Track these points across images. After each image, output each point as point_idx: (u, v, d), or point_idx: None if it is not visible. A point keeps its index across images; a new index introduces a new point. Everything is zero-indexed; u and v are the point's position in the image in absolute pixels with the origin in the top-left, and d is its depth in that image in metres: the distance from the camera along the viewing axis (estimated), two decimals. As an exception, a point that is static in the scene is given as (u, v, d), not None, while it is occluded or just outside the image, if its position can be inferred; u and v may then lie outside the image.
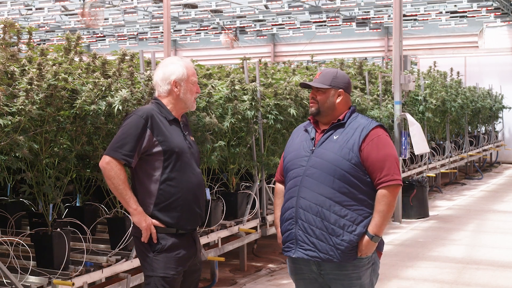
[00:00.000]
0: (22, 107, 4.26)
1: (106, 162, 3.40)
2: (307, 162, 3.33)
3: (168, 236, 3.46)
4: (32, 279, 4.50)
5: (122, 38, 27.58)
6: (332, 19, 23.23)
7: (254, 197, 6.91)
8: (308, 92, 7.42)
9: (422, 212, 9.86)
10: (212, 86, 5.97)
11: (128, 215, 5.13)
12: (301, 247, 3.30)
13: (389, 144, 3.33)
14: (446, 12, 21.84)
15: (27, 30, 5.71)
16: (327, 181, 3.25)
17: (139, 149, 3.42)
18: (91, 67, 5.35)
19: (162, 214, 3.44)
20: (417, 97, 11.50)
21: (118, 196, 3.46)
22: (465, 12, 21.45)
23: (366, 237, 3.24)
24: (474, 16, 21.93)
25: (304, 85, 3.54)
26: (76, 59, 5.73)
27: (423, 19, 22.69)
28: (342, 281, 3.30)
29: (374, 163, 3.25)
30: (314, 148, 3.36)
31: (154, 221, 3.45)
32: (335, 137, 3.33)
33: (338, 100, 3.41)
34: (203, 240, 6.00)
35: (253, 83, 6.71)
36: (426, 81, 12.56)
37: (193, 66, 3.66)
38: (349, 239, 3.21)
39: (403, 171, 10.65)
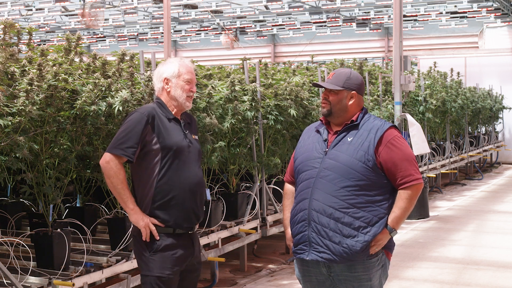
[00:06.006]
0: (22, 107, 4.27)
1: (106, 161, 3.42)
2: (320, 164, 3.29)
3: (165, 236, 3.46)
4: (32, 279, 4.51)
5: (122, 39, 27.58)
6: (332, 20, 23.22)
7: (254, 198, 6.91)
8: (310, 92, 7.44)
9: (422, 213, 9.86)
10: (212, 86, 5.96)
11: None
12: (315, 249, 3.26)
13: (405, 144, 3.31)
14: (446, 13, 21.83)
15: (27, 30, 5.72)
16: (341, 183, 3.22)
17: (141, 144, 3.44)
18: (91, 67, 5.35)
19: (160, 212, 3.46)
20: (417, 98, 11.50)
21: (116, 195, 3.49)
22: (465, 12, 21.44)
23: (385, 229, 3.22)
24: (474, 17, 21.93)
25: (316, 85, 3.52)
26: (76, 59, 5.73)
27: (423, 20, 22.68)
28: (352, 283, 3.28)
29: (395, 165, 3.23)
30: (327, 150, 3.32)
31: (152, 219, 3.45)
32: (349, 139, 3.30)
33: (350, 102, 3.37)
34: (204, 241, 6.00)
35: (253, 83, 6.70)
36: (426, 82, 12.56)
37: (191, 67, 3.65)
38: (364, 240, 3.19)
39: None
